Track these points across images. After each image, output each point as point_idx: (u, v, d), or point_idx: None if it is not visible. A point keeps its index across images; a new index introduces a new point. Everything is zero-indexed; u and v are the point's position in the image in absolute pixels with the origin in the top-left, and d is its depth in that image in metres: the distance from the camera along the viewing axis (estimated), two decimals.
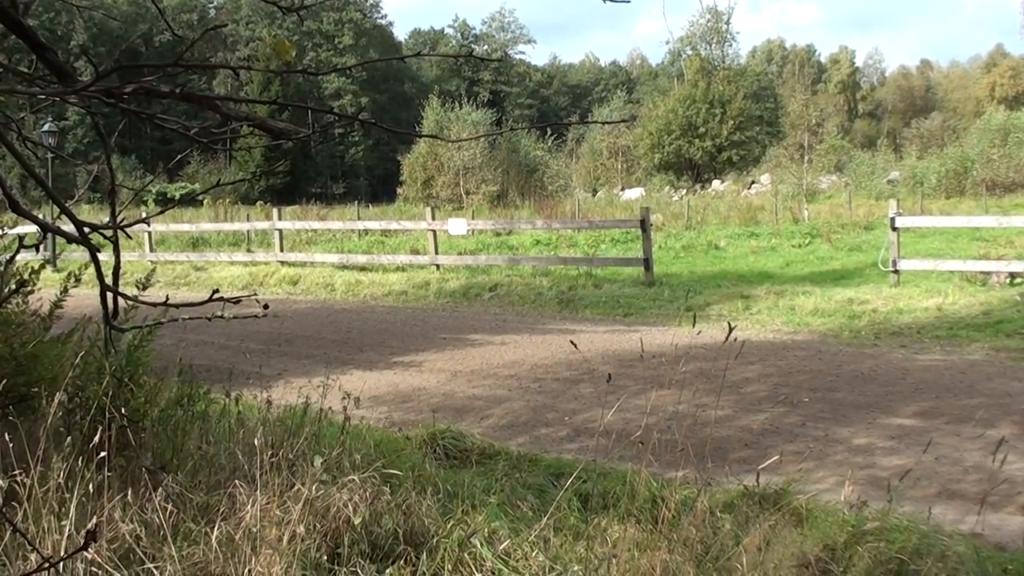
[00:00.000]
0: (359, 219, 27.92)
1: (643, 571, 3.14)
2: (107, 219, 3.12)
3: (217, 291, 2.95)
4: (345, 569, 3.42)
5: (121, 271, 3.43)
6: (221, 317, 3.19)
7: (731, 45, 75.14)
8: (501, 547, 3.45)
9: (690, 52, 73.03)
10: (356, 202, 43.65)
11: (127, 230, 3.19)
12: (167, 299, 3.22)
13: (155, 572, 3.26)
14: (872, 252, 17.18)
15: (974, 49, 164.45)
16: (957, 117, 73.85)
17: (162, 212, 3.62)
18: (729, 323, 3.65)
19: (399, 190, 52.22)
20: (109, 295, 3.40)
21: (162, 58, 2.82)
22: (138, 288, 4.45)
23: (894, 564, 3.52)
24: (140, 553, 3.32)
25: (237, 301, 3.00)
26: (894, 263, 13.49)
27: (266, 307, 3.16)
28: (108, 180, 3.43)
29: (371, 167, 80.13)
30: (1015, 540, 4.22)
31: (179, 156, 4.42)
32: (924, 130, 63.38)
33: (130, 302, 3.85)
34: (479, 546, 3.42)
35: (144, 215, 3.41)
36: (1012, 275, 12.78)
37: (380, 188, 70.16)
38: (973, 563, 3.52)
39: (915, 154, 49.25)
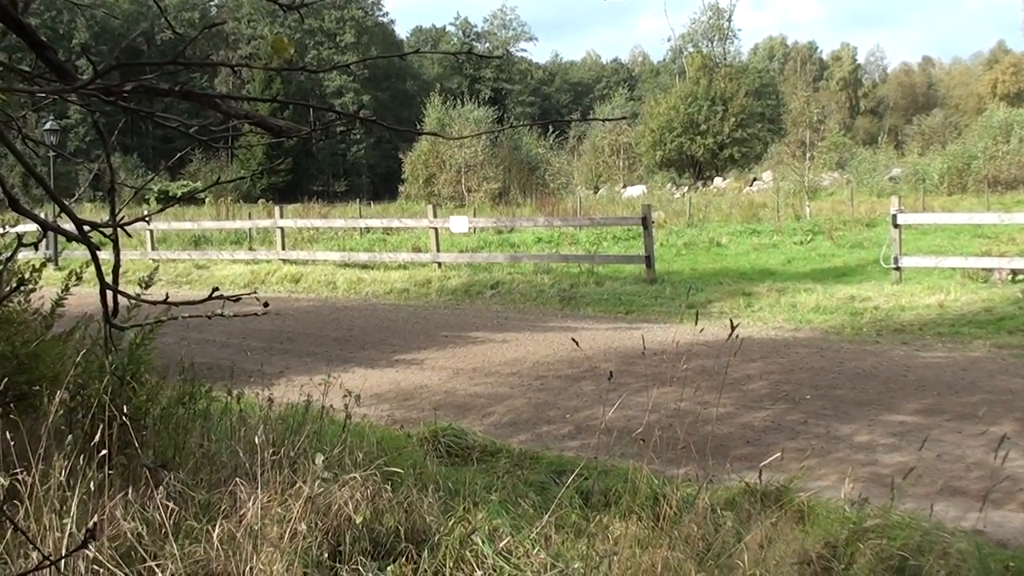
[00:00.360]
0: (361, 217, 27.88)
1: (644, 568, 3.13)
2: (108, 217, 3.13)
3: (217, 289, 2.95)
4: (347, 567, 3.42)
5: (122, 269, 3.43)
6: (221, 315, 3.19)
7: (733, 42, 75.29)
8: (502, 544, 3.44)
9: (692, 49, 73.09)
10: (358, 200, 43.65)
11: (127, 228, 3.20)
12: (167, 297, 3.22)
13: (157, 570, 3.26)
14: (874, 249, 17.17)
15: (976, 46, 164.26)
16: (959, 114, 73.88)
17: (161, 210, 3.63)
18: (731, 320, 3.65)
19: (401, 188, 52.24)
20: (109, 293, 3.40)
21: (164, 56, 2.82)
22: (140, 286, 4.45)
23: (896, 561, 3.51)
24: (142, 551, 3.32)
25: (237, 299, 3.00)
26: (896, 260, 13.47)
27: (266, 305, 3.16)
28: (108, 178, 3.43)
29: (373, 165, 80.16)
30: (1017, 537, 4.21)
31: (179, 154, 4.43)
32: (926, 127, 63.36)
33: (132, 301, 3.85)
34: (480, 543, 3.42)
35: (146, 211, 3.41)
36: (1014, 272, 12.77)
37: (382, 186, 70.18)
38: (975, 560, 3.52)
39: (917, 151, 49.31)
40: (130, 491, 3.65)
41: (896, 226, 13.61)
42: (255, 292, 3.04)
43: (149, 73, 3.03)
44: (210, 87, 58.42)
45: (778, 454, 3.68)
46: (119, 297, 3.46)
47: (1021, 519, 4.56)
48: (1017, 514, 4.72)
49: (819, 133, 46.02)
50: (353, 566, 3.42)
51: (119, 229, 3.28)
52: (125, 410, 4.05)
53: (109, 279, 3.33)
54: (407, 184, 50.28)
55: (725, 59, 71.50)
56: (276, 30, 69.02)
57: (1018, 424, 6.41)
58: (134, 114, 3.32)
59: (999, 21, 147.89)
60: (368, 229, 26.70)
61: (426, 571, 3.39)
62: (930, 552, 3.59)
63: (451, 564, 3.42)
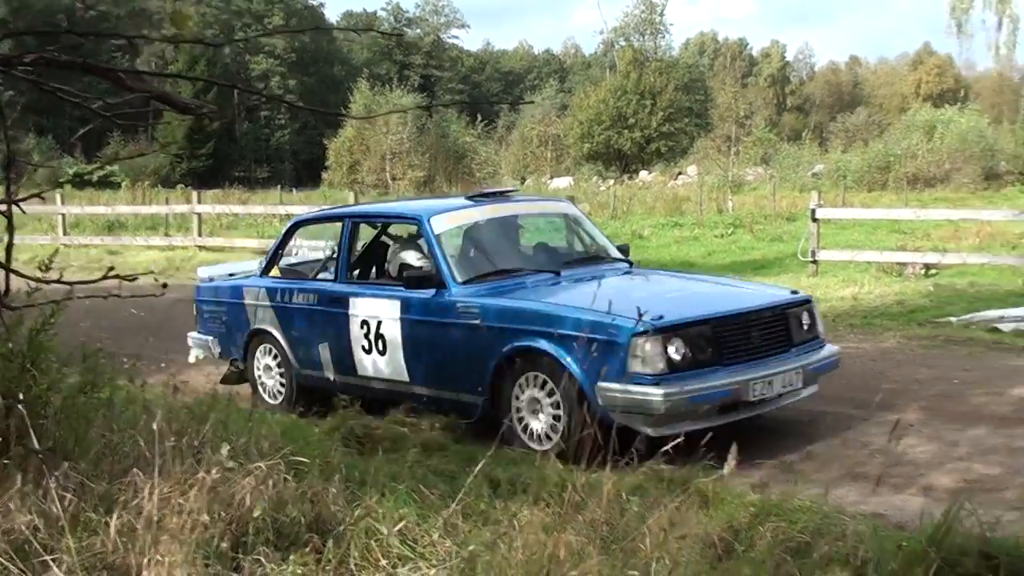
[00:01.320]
0: (281, 203, 27.41)
1: (549, 553, 3.15)
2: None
3: (112, 269, 2.87)
4: (249, 557, 3.37)
5: (31, 255, 3.31)
6: (118, 296, 3.10)
7: (664, 37, 75.98)
8: (407, 532, 3.43)
9: (623, 43, 73.59)
10: (279, 186, 42.74)
11: (31, 209, 3.08)
12: (61, 276, 3.11)
13: (52, 564, 3.17)
14: (793, 243, 17.47)
15: (906, 46, 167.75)
16: (882, 113, 75.64)
17: (59, 185, 3.50)
18: (639, 308, 3.68)
19: (324, 175, 51.43)
20: (1, 273, 3.28)
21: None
22: (41, 269, 4.29)
23: (795, 543, 3.60)
24: (37, 544, 3.23)
25: (134, 279, 2.92)
26: (813, 253, 13.75)
27: (164, 286, 3.10)
28: (4, 153, 3.29)
29: (297, 151, 78.57)
30: (915, 519, 4.34)
31: (81, 131, 4.29)
32: (850, 124, 64.67)
33: (29, 281, 3.72)
34: (385, 532, 3.40)
35: (58, 196, 3.29)
36: (927, 266, 13.17)
37: (305, 173, 68.78)
38: (871, 541, 3.62)
39: (840, 148, 50.33)
40: (24, 481, 3.54)
41: (815, 220, 13.86)
42: (151, 271, 2.96)
43: (51, 45, 2.93)
44: (131, 67, 56.78)
45: (681, 439, 3.74)
46: (12, 278, 3.34)
47: (919, 503, 4.70)
48: (916, 498, 4.87)
49: (745, 128, 46.85)
50: (256, 556, 3.37)
51: (18, 207, 3.16)
52: (21, 397, 3.93)
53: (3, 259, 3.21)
54: (331, 171, 49.53)
55: (656, 53, 72.15)
56: (203, 11, 67.53)
57: (922, 412, 6.61)
58: (33, 86, 3.20)
59: (929, 22, 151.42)
60: (288, 216, 26.26)
61: (330, 560, 3.35)
62: (828, 534, 3.69)
63: (356, 554, 3.39)
